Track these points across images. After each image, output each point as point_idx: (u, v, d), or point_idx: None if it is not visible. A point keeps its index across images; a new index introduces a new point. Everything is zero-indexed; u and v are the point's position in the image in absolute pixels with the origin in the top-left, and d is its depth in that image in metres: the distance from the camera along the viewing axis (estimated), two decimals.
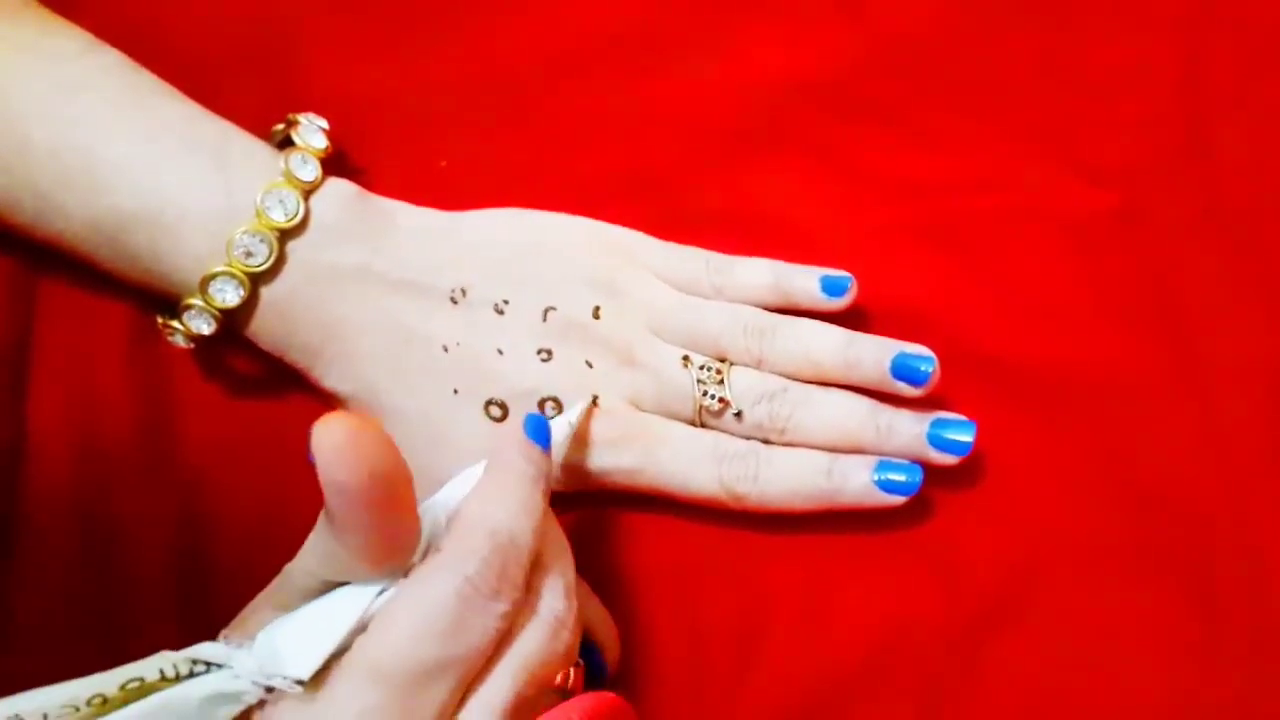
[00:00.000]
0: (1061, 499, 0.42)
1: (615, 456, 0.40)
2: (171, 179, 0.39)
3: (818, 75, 0.46)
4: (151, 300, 0.41)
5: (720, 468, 0.40)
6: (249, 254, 0.39)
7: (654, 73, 0.46)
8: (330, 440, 0.29)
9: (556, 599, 0.34)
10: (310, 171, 0.40)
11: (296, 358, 0.41)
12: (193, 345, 0.40)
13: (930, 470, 0.41)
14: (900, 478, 0.40)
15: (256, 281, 0.39)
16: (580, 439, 0.40)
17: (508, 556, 0.32)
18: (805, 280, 0.42)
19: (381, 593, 0.32)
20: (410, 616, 0.31)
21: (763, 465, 0.40)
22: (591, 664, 0.38)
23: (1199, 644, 0.40)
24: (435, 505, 0.34)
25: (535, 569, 0.34)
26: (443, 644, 0.31)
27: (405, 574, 0.32)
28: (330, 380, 0.41)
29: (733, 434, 0.41)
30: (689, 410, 0.41)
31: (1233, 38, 0.47)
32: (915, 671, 0.40)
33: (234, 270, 0.39)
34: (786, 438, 0.41)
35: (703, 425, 0.41)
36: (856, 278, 0.42)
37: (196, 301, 0.39)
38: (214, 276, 0.39)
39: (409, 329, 0.40)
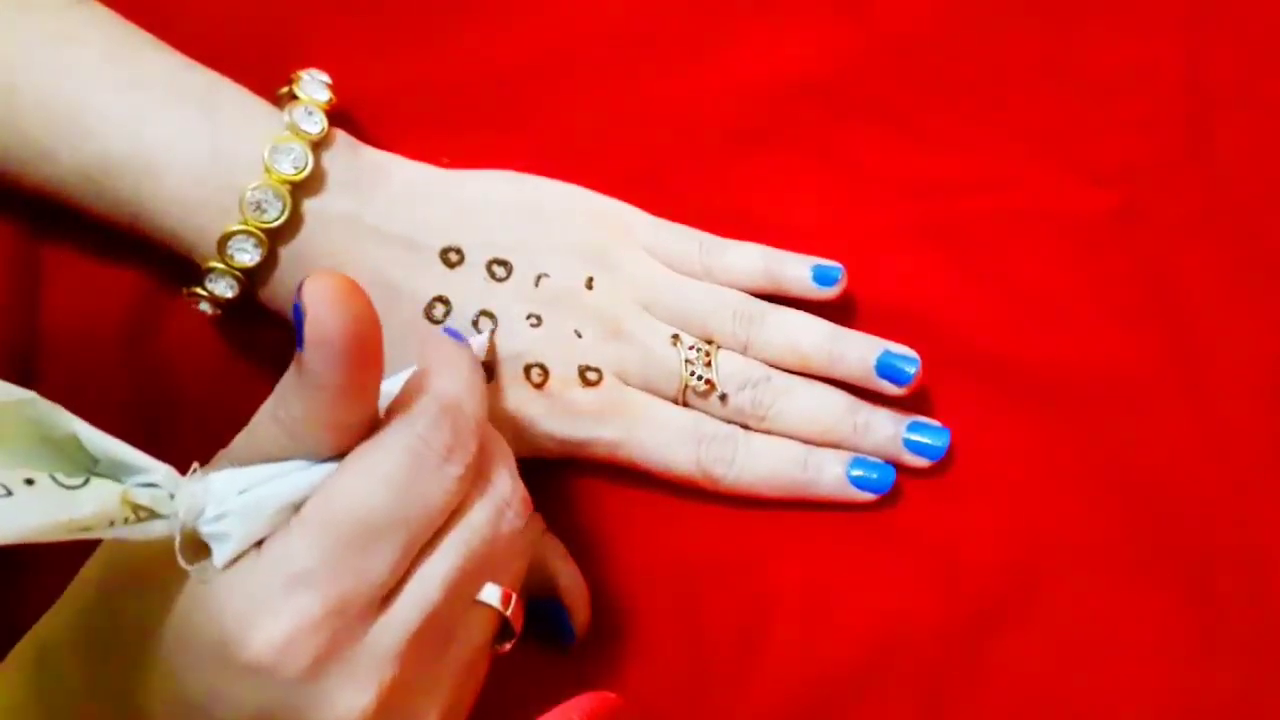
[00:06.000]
0: (1061, 499, 0.42)
1: (598, 428, 0.41)
2: (157, 125, 0.39)
3: (818, 75, 0.46)
4: (156, 284, 0.41)
5: (699, 448, 0.41)
6: (260, 208, 0.39)
7: (654, 73, 0.46)
8: (321, 291, 0.29)
9: (503, 480, 0.34)
10: (315, 123, 0.40)
11: (284, 308, 0.41)
12: (219, 312, 0.40)
13: (930, 470, 0.41)
14: (873, 475, 0.41)
15: (274, 238, 0.39)
16: (565, 408, 0.40)
17: (457, 422, 0.32)
18: (797, 268, 0.42)
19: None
20: (362, 472, 0.31)
21: (740, 450, 0.41)
22: (561, 625, 0.39)
23: (1199, 644, 0.40)
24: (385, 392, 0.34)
25: (481, 452, 0.33)
26: (393, 500, 0.31)
27: None
28: None
29: (713, 416, 0.41)
30: (673, 389, 0.41)
31: (1233, 38, 0.47)
32: (915, 671, 0.40)
33: (250, 227, 0.39)
34: (765, 425, 0.41)
35: (685, 404, 0.41)
36: (856, 277, 0.42)
37: (217, 264, 0.39)
38: (231, 235, 0.39)
39: (396, 285, 0.40)
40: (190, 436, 0.42)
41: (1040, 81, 0.46)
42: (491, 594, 0.34)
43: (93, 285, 0.42)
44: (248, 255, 0.39)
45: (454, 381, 0.33)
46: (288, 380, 0.31)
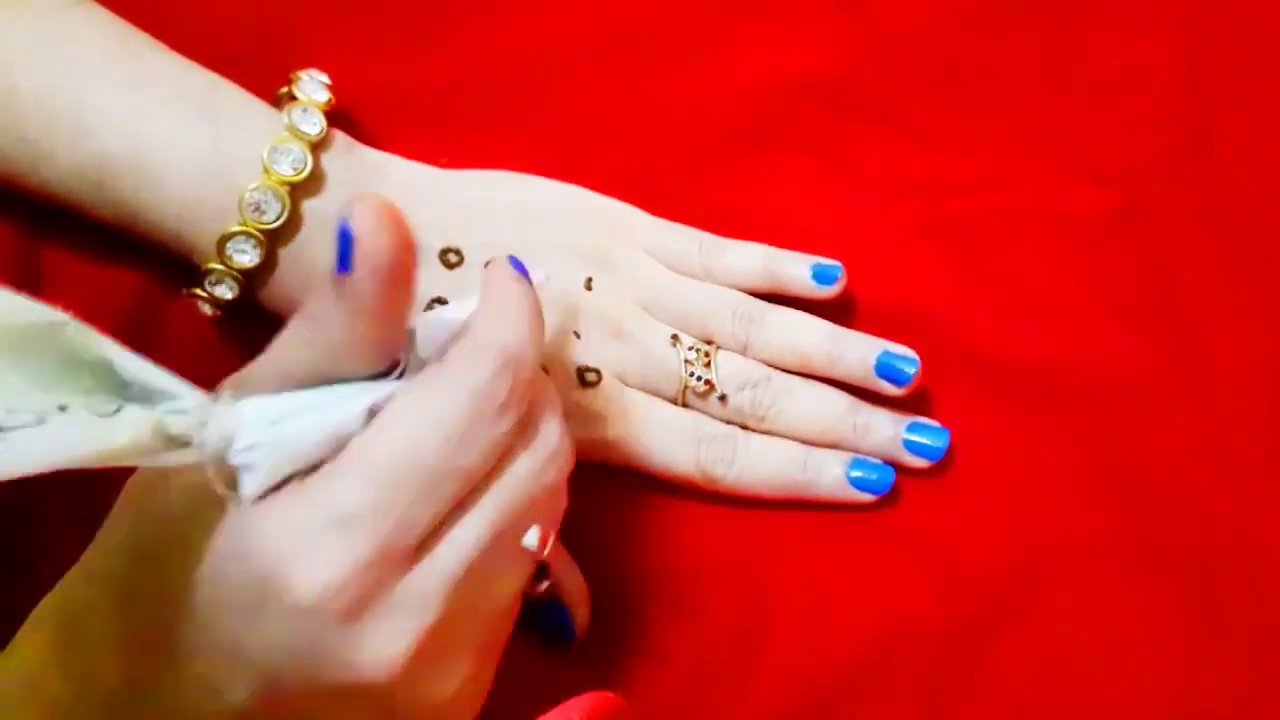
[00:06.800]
0: (1062, 499, 0.42)
1: (597, 429, 0.41)
2: (156, 125, 0.39)
3: (818, 75, 0.46)
4: (156, 284, 0.42)
5: (699, 449, 0.41)
6: (259, 209, 0.39)
7: (654, 73, 0.46)
8: (371, 215, 0.29)
9: (551, 431, 0.33)
10: (314, 124, 0.40)
11: (283, 308, 0.40)
12: (219, 313, 0.40)
13: (930, 470, 0.41)
14: (872, 476, 0.41)
15: (273, 240, 0.39)
16: (564, 409, 0.40)
17: (518, 374, 0.32)
18: (796, 267, 0.42)
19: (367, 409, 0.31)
20: (416, 418, 0.30)
21: (740, 451, 0.41)
22: (561, 625, 0.39)
23: (1199, 644, 0.40)
24: (424, 324, 0.33)
25: (533, 402, 0.33)
26: (447, 449, 0.30)
27: (386, 379, 0.31)
28: None
29: (712, 416, 0.41)
30: (673, 389, 0.41)
31: (1233, 38, 0.46)
32: (916, 671, 0.40)
33: (250, 229, 0.39)
34: (765, 426, 0.41)
35: (684, 405, 0.41)
36: (856, 277, 0.42)
37: (216, 266, 0.39)
38: (230, 236, 0.39)
39: None
40: None
41: (1040, 81, 0.46)
42: (530, 538, 0.33)
43: (93, 285, 0.42)
44: (247, 257, 0.39)
45: (518, 329, 0.32)
46: (323, 305, 0.30)
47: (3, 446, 0.26)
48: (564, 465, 0.34)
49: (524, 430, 0.33)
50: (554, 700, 0.34)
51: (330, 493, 0.30)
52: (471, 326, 0.32)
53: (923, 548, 0.41)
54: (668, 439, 0.41)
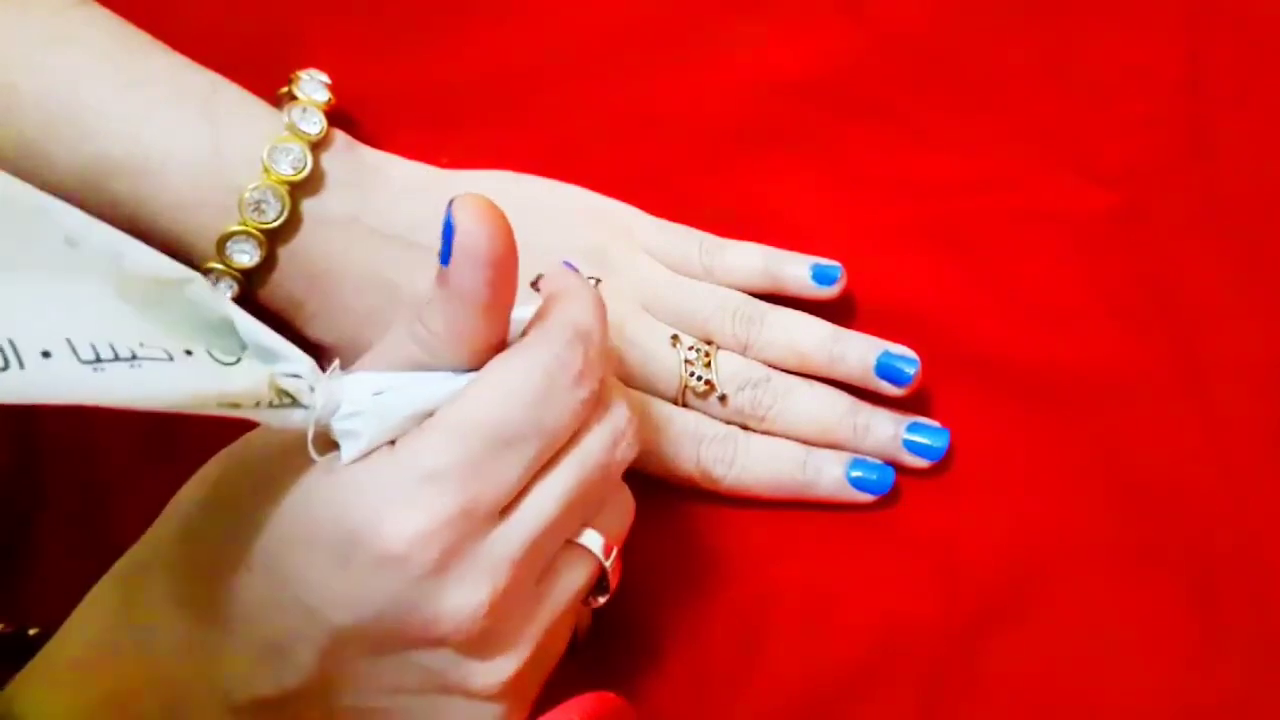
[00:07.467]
0: (1062, 498, 0.42)
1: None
2: (156, 125, 0.39)
3: (818, 75, 0.46)
4: None
5: (699, 449, 0.41)
6: (259, 209, 0.39)
7: (654, 73, 0.46)
8: (472, 209, 0.30)
9: (621, 410, 0.34)
10: (314, 124, 0.40)
11: (282, 307, 0.41)
12: None
13: (930, 470, 0.41)
14: (872, 476, 0.41)
15: (273, 239, 0.39)
16: None
17: (589, 348, 0.33)
18: (796, 267, 0.42)
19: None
20: (500, 383, 0.32)
21: (740, 451, 0.41)
22: None
23: (1199, 644, 0.40)
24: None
25: (603, 381, 0.34)
26: (527, 413, 0.32)
27: None
28: (312, 330, 0.41)
29: (712, 416, 0.41)
30: (673, 389, 0.41)
31: (1233, 38, 0.47)
32: (916, 670, 0.40)
33: (250, 228, 0.39)
34: (765, 426, 0.42)
35: (684, 405, 0.41)
36: (856, 277, 0.42)
37: (216, 265, 0.39)
38: (230, 236, 0.39)
39: (395, 285, 0.40)
40: (190, 437, 0.41)
41: (1040, 81, 0.46)
42: (594, 540, 0.34)
43: None
44: (247, 256, 0.39)
45: (586, 310, 0.34)
46: (430, 301, 0.32)
47: (136, 375, 0.27)
48: (631, 443, 0.35)
49: (597, 405, 0.34)
50: (554, 700, 0.34)
51: (420, 452, 0.31)
52: (542, 310, 0.34)
53: (923, 548, 0.41)
54: (668, 439, 0.41)
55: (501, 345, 0.33)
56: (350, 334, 0.40)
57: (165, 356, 0.28)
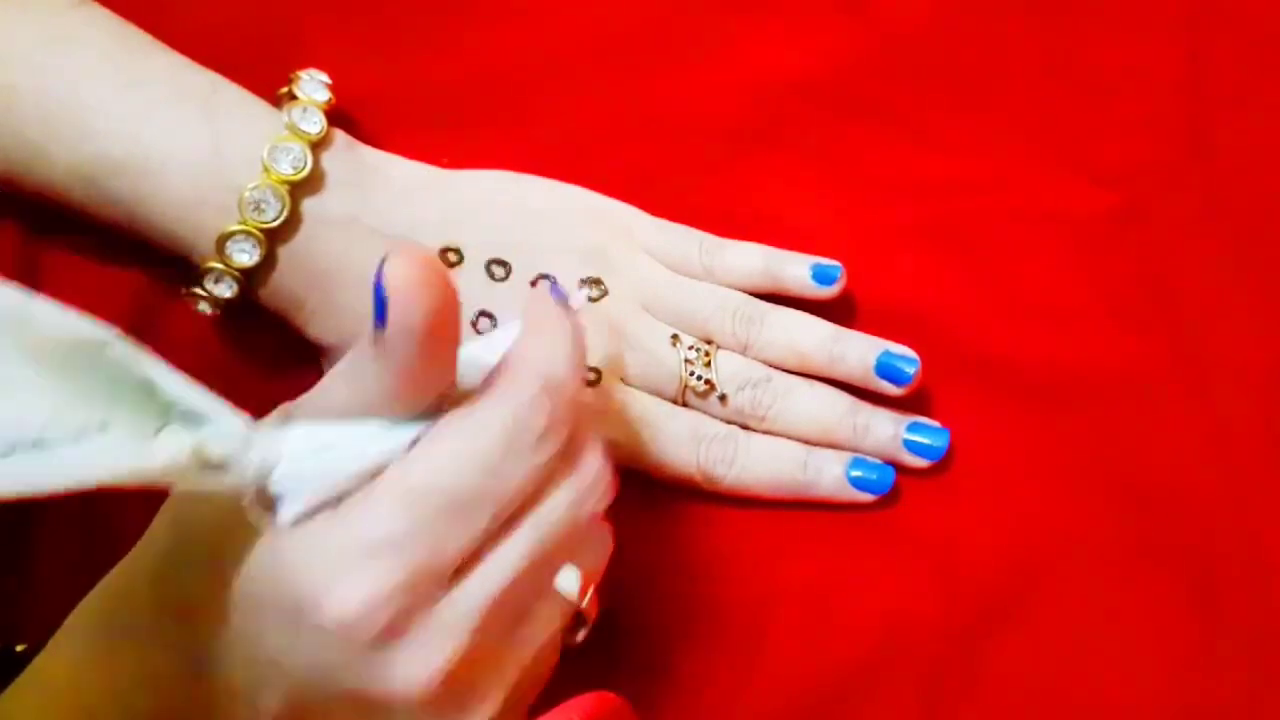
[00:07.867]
0: (1062, 498, 0.42)
1: (597, 429, 0.40)
2: (156, 125, 0.39)
3: (818, 75, 0.46)
4: (155, 285, 0.42)
5: (699, 449, 0.41)
6: (259, 208, 0.39)
7: (654, 73, 0.46)
8: (405, 275, 0.28)
9: (591, 462, 0.33)
10: (314, 123, 0.40)
11: (282, 306, 0.41)
12: (218, 312, 0.40)
13: (930, 470, 0.41)
14: (872, 476, 0.41)
15: (273, 239, 0.39)
16: None
17: (557, 403, 0.31)
18: (796, 267, 0.42)
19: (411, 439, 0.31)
20: (454, 443, 0.30)
21: (740, 451, 0.41)
22: None
23: (1199, 644, 0.40)
24: (467, 356, 0.33)
25: (575, 430, 0.33)
26: (483, 478, 0.30)
27: (433, 415, 0.31)
28: (312, 330, 0.41)
29: (713, 416, 0.42)
30: (673, 389, 0.41)
31: (1233, 38, 0.47)
32: (916, 669, 0.40)
33: (249, 227, 0.39)
34: (765, 425, 0.42)
35: (684, 405, 0.41)
36: (856, 277, 0.42)
37: (216, 264, 0.39)
38: (230, 236, 0.39)
39: None
40: None
41: (1040, 81, 0.46)
42: (569, 581, 0.33)
43: (92, 286, 0.42)
44: (246, 255, 0.39)
45: (558, 356, 0.32)
46: (364, 353, 0.30)
47: (39, 461, 0.26)
48: (603, 496, 0.33)
49: (564, 459, 0.32)
50: (554, 700, 0.34)
51: (364, 518, 0.30)
52: (510, 356, 0.32)
53: (923, 548, 0.41)
54: (668, 439, 0.41)
55: (443, 388, 0.31)
56: (350, 334, 0.40)
57: (73, 437, 0.27)
